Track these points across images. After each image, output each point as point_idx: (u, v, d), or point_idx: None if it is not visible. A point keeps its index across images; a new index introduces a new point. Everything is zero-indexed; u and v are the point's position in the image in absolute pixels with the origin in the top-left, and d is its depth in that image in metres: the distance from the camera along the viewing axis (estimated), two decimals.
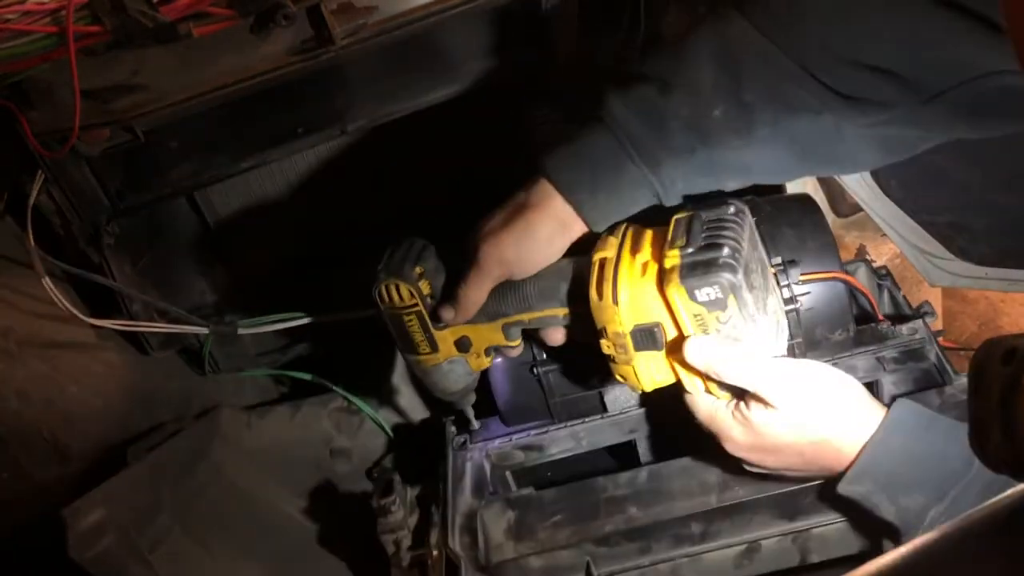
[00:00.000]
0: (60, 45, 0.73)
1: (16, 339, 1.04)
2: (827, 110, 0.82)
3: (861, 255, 1.70)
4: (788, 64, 0.80)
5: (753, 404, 0.84)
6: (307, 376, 1.29)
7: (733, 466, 0.92)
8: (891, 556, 0.48)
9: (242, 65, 0.89)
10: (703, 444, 0.92)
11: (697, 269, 0.76)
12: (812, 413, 0.84)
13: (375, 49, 0.93)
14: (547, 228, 0.87)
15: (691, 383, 0.85)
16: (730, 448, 0.87)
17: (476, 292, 0.89)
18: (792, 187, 1.22)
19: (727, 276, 0.75)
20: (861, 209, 1.54)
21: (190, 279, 1.29)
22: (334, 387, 1.29)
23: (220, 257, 1.32)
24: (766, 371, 0.82)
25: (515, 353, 0.99)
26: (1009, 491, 0.46)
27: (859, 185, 1.29)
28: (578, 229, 0.88)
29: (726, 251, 0.77)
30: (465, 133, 1.33)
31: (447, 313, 0.91)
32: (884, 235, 1.51)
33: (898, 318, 1.10)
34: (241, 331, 1.12)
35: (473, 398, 1.04)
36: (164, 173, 1.08)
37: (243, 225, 1.29)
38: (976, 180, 1.16)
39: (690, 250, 0.78)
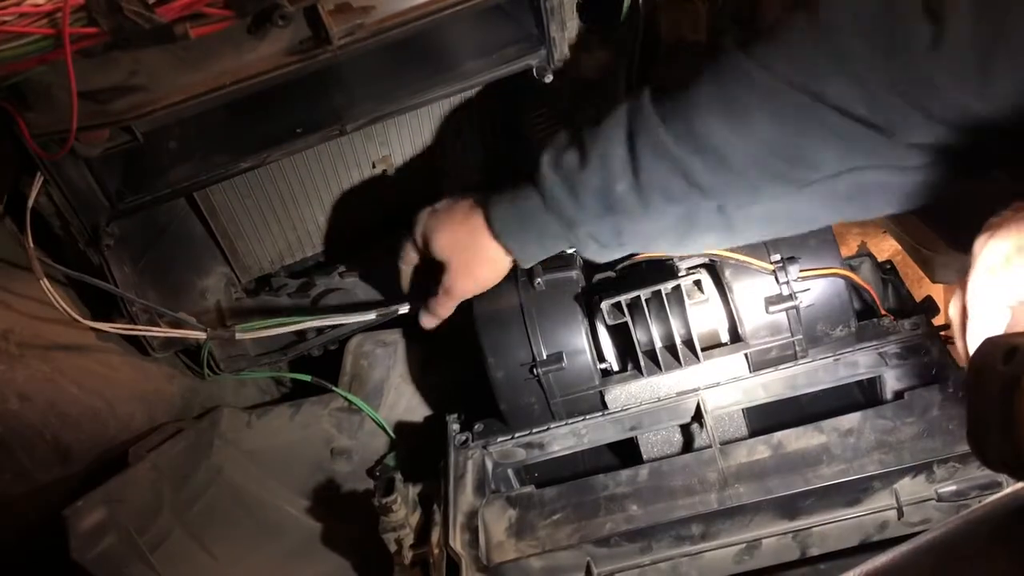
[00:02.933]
0: (57, 47, 0.73)
1: (17, 341, 1.04)
2: (707, 197, 0.91)
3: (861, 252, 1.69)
4: (676, 154, 0.89)
5: None
6: (306, 378, 1.29)
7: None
8: (892, 554, 0.48)
9: (240, 65, 0.89)
10: None
11: None
12: None
13: (373, 49, 0.93)
14: (490, 267, 1.05)
15: None
16: None
17: (447, 310, 1.11)
18: None
19: None
20: None
21: (190, 280, 1.29)
22: (333, 388, 1.29)
23: (220, 258, 1.32)
24: None
25: None
26: (1009, 489, 0.46)
27: None
28: (510, 262, 1.05)
29: None
30: (464, 132, 1.33)
31: (428, 321, 1.13)
32: (885, 231, 1.51)
33: (901, 313, 1.10)
34: (239, 335, 1.12)
35: None
36: (163, 174, 1.07)
37: (243, 226, 1.29)
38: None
39: None
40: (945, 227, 1.26)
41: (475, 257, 1.05)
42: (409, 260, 1.13)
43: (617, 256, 1.01)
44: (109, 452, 1.12)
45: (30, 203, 0.97)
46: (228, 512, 1.18)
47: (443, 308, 1.10)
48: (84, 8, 0.73)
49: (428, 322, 1.13)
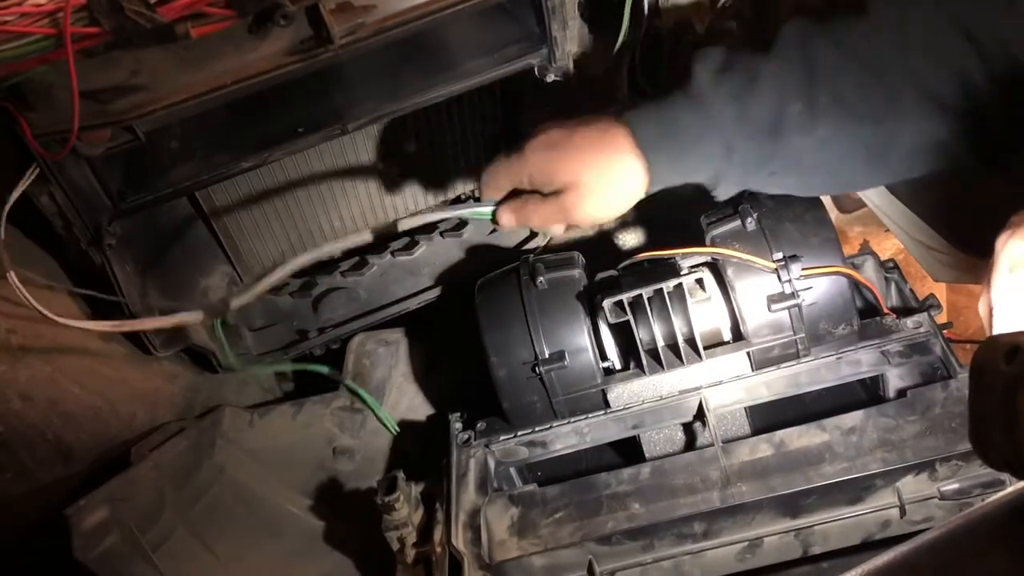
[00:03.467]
0: (58, 46, 0.73)
1: (19, 341, 1.04)
2: (888, 118, 0.87)
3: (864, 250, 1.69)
4: (857, 73, 0.87)
5: None
6: (324, 369, 1.25)
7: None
8: (893, 553, 0.48)
9: (241, 65, 0.89)
10: None
11: None
12: None
13: (374, 48, 0.93)
14: (622, 188, 0.94)
15: None
16: None
17: (553, 222, 0.98)
18: None
19: None
20: (864, 205, 1.54)
21: (192, 279, 1.29)
22: (346, 382, 1.27)
23: (222, 257, 1.32)
24: None
25: None
26: (1010, 488, 0.46)
27: None
28: (643, 184, 0.94)
29: None
30: (466, 131, 1.33)
31: (510, 220, 0.99)
32: (887, 230, 1.51)
33: (904, 311, 1.10)
34: (234, 303, 1.04)
35: None
36: (165, 173, 1.08)
37: (244, 224, 1.29)
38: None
39: None
40: (948, 226, 1.26)
41: (609, 174, 0.92)
42: (500, 187, 0.98)
43: (748, 188, 0.97)
44: (111, 451, 1.12)
45: (11, 198, 0.94)
46: (230, 511, 1.18)
47: (547, 218, 0.96)
48: (86, 8, 0.73)
49: (509, 220, 0.98)
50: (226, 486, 1.19)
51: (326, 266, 1.39)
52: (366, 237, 1.12)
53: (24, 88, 0.82)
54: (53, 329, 1.07)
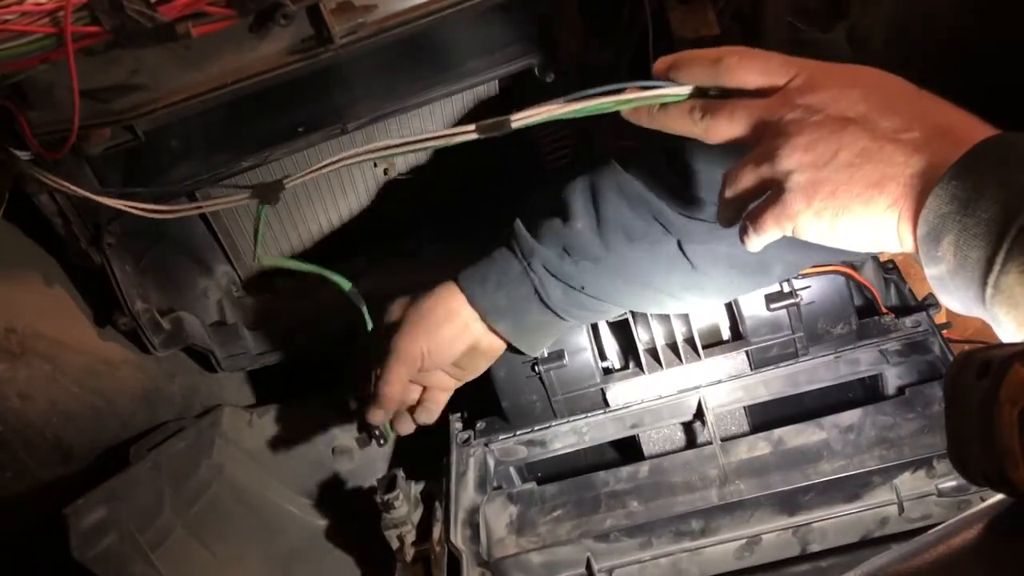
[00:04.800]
0: (59, 45, 0.73)
1: (19, 339, 1.04)
2: (670, 232, 0.91)
3: None
4: (636, 190, 0.90)
5: None
6: (346, 284, 1.02)
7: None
8: (871, 566, 0.48)
9: (242, 64, 0.89)
10: None
11: None
12: None
13: (375, 47, 0.93)
14: (449, 320, 0.96)
15: None
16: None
17: (393, 386, 0.95)
18: None
19: None
20: None
21: (192, 279, 1.29)
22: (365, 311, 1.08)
23: (222, 256, 1.32)
24: None
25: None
26: (990, 501, 0.46)
27: None
28: (474, 319, 0.96)
29: None
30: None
31: (375, 416, 0.97)
32: None
33: (903, 311, 1.10)
34: (288, 183, 0.97)
35: None
36: (165, 173, 1.08)
37: (245, 224, 1.29)
38: None
39: None
40: None
41: (433, 309, 0.95)
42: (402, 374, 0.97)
43: (580, 311, 0.98)
44: (110, 451, 1.12)
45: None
46: (229, 511, 1.18)
47: (390, 382, 0.95)
48: (86, 7, 0.73)
49: (374, 415, 0.96)
50: (225, 485, 1.19)
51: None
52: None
53: (24, 87, 0.82)
54: (53, 328, 1.08)
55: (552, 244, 0.94)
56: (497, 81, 1.17)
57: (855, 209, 0.61)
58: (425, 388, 1.01)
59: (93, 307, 1.14)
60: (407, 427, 1.01)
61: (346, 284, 0.97)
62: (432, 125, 1.30)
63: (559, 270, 0.94)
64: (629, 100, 0.72)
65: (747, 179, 0.67)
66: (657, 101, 0.72)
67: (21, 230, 1.07)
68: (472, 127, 0.77)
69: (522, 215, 0.98)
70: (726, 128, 0.68)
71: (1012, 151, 0.55)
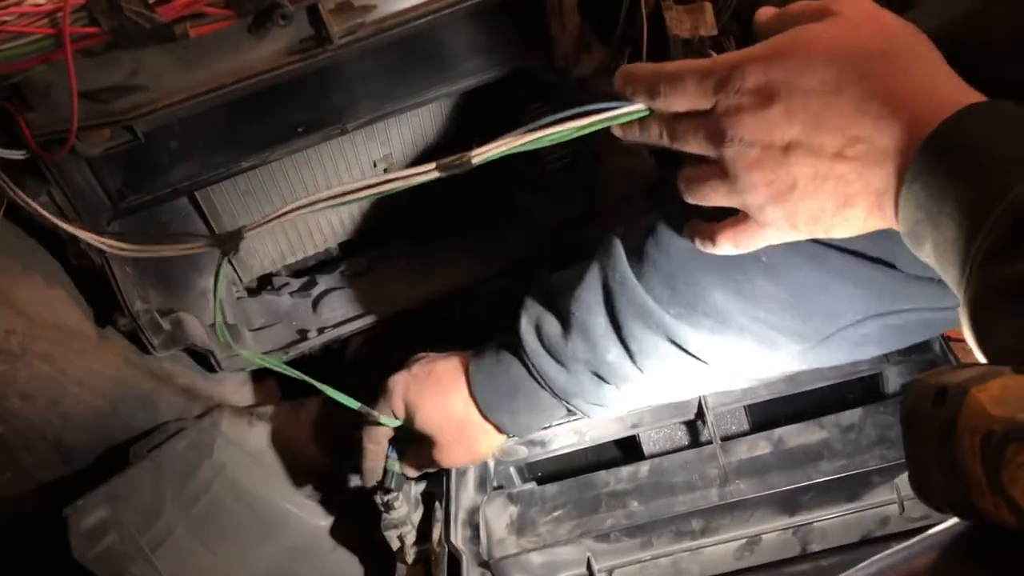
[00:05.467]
0: (57, 46, 0.73)
1: (19, 340, 1.04)
2: (710, 364, 0.84)
3: None
4: (662, 320, 0.81)
5: None
6: (354, 404, 1.02)
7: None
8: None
9: (241, 65, 0.89)
10: None
11: None
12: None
13: (374, 48, 0.93)
14: (486, 439, 0.97)
15: None
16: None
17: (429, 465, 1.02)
18: None
19: None
20: None
21: (191, 279, 1.29)
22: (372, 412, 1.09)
23: (222, 256, 1.32)
24: None
25: None
26: (942, 526, 0.46)
27: None
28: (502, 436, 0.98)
29: None
30: (463, 131, 1.33)
31: (412, 472, 1.04)
32: None
33: None
34: (247, 233, 0.95)
35: None
36: (164, 173, 1.08)
37: (245, 224, 1.29)
38: None
39: None
40: None
41: (468, 431, 0.96)
42: (381, 436, 1.03)
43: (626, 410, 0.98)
44: (110, 451, 1.12)
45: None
46: (230, 511, 1.18)
47: (429, 464, 1.02)
48: (84, 8, 0.73)
49: (413, 473, 1.05)
50: (226, 486, 1.19)
51: (326, 266, 1.39)
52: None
53: (23, 88, 0.82)
54: (53, 329, 1.08)
55: (585, 374, 0.89)
56: (497, 80, 1.17)
57: (837, 225, 0.61)
58: None
59: (93, 308, 1.14)
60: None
61: (354, 404, 0.99)
62: (432, 125, 1.30)
63: (600, 400, 0.92)
64: (587, 125, 0.71)
65: (717, 200, 0.66)
66: (615, 122, 0.71)
67: (21, 231, 1.07)
68: (432, 166, 0.78)
69: (519, 313, 0.94)
70: (689, 149, 0.67)
71: (970, 136, 0.52)
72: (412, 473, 1.04)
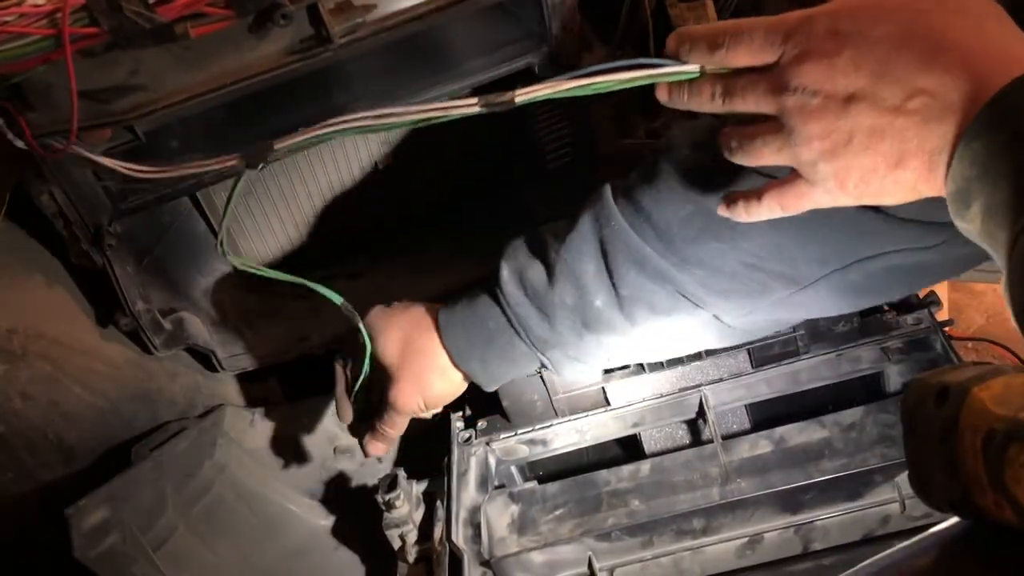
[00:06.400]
0: (57, 47, 0.73)
1: (20, 340, 1.04)
2: (700, 307, 0.85)
3: None
4: (658, 266, 0.83)
5: None
6: (337, 299, 1.00)
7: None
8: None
9: (241, 65, 0.89)
10: None
11: None
12: None
13: (374, 47, 0.93)
14: (444, 378, 0.96)
15: None
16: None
17: (396, 429, 1.00)
18: None
19: None
20: None
21: (193, 279, 1.30)
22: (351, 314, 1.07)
23: (222, 256, 1.32)
24: None
25: None
26: (942, 525, 0.45)
27: None
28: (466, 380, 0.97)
29: None
30: (463, 131, 1.33)
31: (375, 450, 1.02)
32: None
33: (905, 308, 1.10)
34: (278, 145, 0.88)
35: None
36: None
37: (245, 224, 1.29)
38: None
39: None
40: None
41: (427, 365, 0.95)
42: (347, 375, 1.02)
43: (601, 369, 0.97)
44: (112, 451, 1.12)
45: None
46: (231, 510, 1.18)
47: (392, 427, 0.99)
48: (84, 8, 0.73)
49: (376, 448, 1.01)
50: (227, 485, 1.19)
51: (326, 265, 1.39)
52: None
53: (24, 88, 0.82)
54: (55, 329, 1.08)
55: (567, 322, 0.88)
56: (498, 80, 1.17)
57: (887, 187, 0.60)
58: None
59: (94, 307, 1.15)
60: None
61: (337, 298, 0.97)
62: (432, 125, 1.30)
63: (579, 353, 0.91)
64: (635, 78, 0.68)
65: (768, 158, 0.65)
66: (664, 80, 0.68)
67: (23, 231, 1.08)
68: (475, 100, 0.77)
69: (501, 260, 0.93)
70: (745, 107, 0.65)
71: None
72: (384, 434, 1.01)
